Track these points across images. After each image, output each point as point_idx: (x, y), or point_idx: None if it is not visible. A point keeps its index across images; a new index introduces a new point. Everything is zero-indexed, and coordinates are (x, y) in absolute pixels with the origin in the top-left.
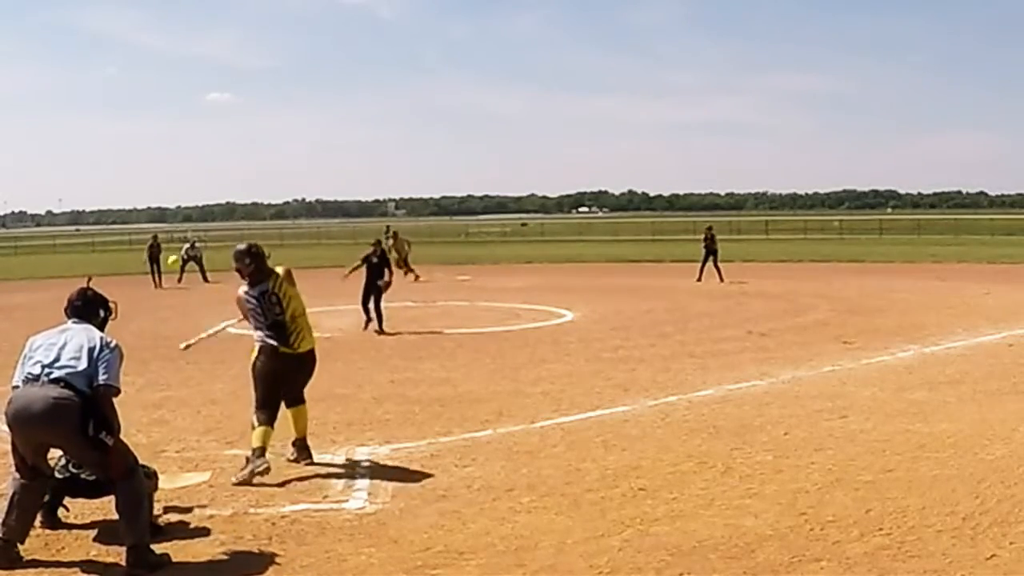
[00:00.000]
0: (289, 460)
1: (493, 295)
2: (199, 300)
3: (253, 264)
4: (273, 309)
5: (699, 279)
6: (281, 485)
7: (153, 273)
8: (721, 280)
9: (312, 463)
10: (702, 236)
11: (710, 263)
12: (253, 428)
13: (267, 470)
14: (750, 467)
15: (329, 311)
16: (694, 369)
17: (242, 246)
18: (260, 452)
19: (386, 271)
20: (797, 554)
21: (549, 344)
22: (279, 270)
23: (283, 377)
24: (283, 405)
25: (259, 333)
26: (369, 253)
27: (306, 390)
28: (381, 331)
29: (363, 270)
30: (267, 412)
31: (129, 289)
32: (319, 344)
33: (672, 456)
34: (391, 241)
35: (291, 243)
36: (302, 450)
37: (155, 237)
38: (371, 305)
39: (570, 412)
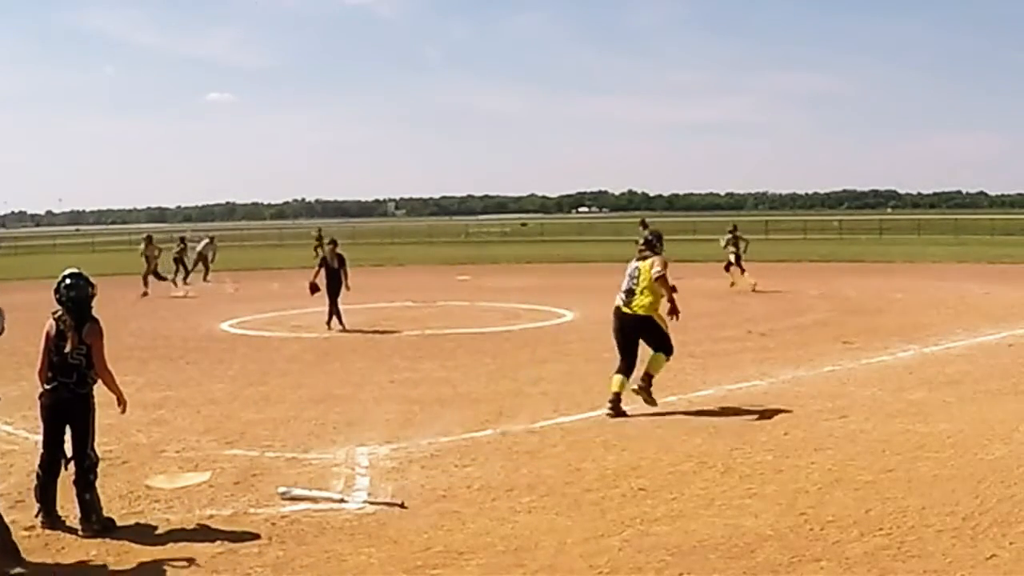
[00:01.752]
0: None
1: (493, 295)
2: (199, 300)
3: (643, 245)
4: (633, 279)
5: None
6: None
7: (176, 273)
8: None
9: (647, 401)
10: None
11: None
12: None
13: (612, 413)
14: (750, 467)
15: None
16: (694, 369)
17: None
18: (613, 398)
19: (342, 273)
20: (797, 554)
21: (549, 344)
22: (655, 260)
23: (621, 331)
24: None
25: (617, 296)
26: (324, 255)
27: (308, 390)
28: (332, 325)
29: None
30: (621, 362)
31: (129, 289)
32: (319, 344)
33: (672, 456)
34: (143, 246)
35: (291, 243)
36: (644, 380)
37: (182, 239)
38: (338, 304)
39: (570, 412)
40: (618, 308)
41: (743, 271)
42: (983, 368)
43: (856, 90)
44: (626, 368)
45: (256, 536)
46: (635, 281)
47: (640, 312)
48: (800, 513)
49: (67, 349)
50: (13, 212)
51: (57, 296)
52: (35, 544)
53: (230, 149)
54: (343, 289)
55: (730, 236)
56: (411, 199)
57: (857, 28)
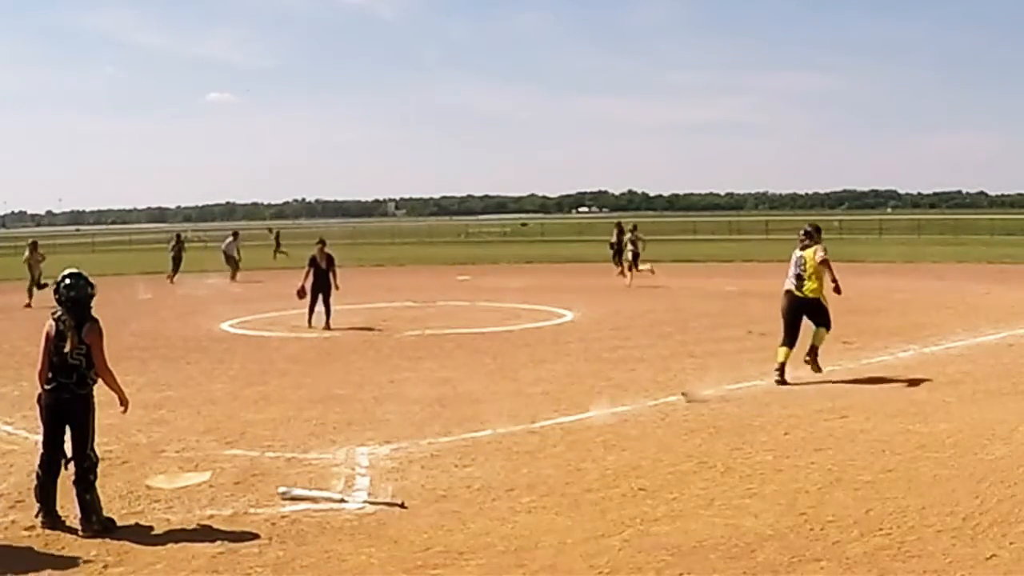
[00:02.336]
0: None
1: (493, 295)
2: (199, 300)
3: (804, 236)
4: (799, 266)
5: (629, 278)
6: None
7: (173, 270)
8: (628, 275)
9: (814, 369)
10: (616, 231)
11: (625, 257)
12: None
13: (780, 380)
14: (750, 467)
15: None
16: (694, 369)
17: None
18: (779, 367)
19: (331, 274)
20: (797, 554)
21: (549, 344)
22: (817, 248)
23: (792, 310)
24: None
25: (786, 280)
26: (314, 255)
27: (308, 390)
28: (313, 323)
29: (314, 271)
30: (785, 337)
31: (129, 289)
32: (319, 344)
33: (672, 456)
34: (27, 253)
35: (289, 243)
36: (811, 353)
37: (178, 236)
38: (319, 305)
39: (570, 412)
40: (790, 292)
41: (632, 270)
42: (983, 368)
43: (856, 90)
44: (790, 342)
45: (256, 536)
46: (803, 268)
47: (810, 295)
48: (800, 513)
49: (67, 349)
50: (13, 212)
51: (57, 296)
52: (35, 544)
53: (230, 149)
54: (333, 289)
55: (631, 236)
56: (411, 199)
57: (857, 28)
